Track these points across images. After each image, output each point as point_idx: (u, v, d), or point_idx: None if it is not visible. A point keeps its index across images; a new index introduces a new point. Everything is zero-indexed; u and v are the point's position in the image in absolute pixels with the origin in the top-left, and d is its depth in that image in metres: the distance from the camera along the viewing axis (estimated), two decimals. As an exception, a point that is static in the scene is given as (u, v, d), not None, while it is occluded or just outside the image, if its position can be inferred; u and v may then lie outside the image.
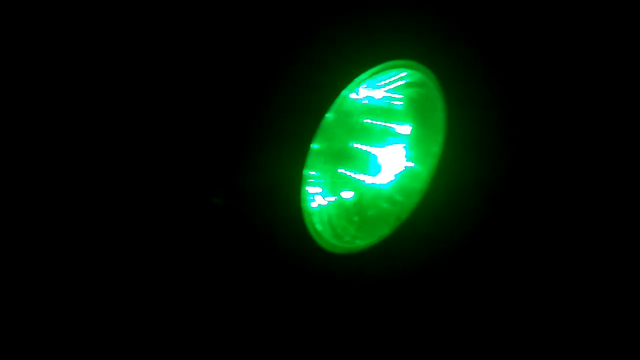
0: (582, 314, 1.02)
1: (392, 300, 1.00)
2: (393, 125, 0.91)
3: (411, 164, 0.96)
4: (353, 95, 0.81)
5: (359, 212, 0.92)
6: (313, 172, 0.83)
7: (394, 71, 0.84)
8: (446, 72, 0.90)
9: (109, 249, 0.83)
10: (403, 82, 0.87)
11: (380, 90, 0.86)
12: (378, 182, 0.94)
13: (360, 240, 0.94)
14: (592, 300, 1.04)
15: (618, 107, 1.08)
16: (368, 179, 0.92)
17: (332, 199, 0.89)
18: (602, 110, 1.08)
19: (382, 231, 0.97)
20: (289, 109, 0.78)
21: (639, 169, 1.10)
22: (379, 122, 0.89)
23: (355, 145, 0.88)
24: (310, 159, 0.80)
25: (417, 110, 0.92)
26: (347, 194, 0.91)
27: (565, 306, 1.03)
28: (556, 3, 0.99)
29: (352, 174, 0.90)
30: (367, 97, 0.85)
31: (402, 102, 0.90)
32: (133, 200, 0.83)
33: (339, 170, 0.89)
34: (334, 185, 0.88)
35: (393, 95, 0.88)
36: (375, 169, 0.92)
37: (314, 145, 0.79)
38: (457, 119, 0.94)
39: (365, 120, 0.88)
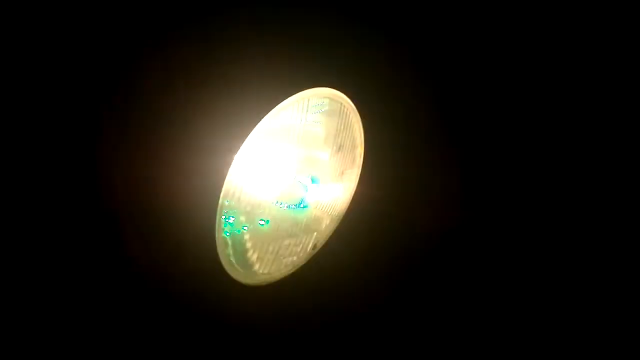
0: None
1: (310, 331, 0.98)
2: (311, 153, 0.90)
3: (329, 192, 0.95)
4: (272, 123, 0.78)
5: (274, 241, 0.89)
6: (232, 202, 0.80)
7: (313, 99, 0.83)
8: (364, 100, 0.90)
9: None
10: (322, 109, 0.86)
11: (300, 117, 0.84)
12: (295, 211, 0.92)
13: (276, 270, 0.92)
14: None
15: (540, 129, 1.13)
16: (285, 207, 0.90)
17: (247, 228, 0.86)
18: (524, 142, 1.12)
19: (299, 260, 0.95)
20: (207, 137, 0.74)
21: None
22: (297, 149, 0.87)
23: (272, 172, 0.85)
24: (228, 188, 0.77)
25: (335, 137, 0.91)
26: (263, 223, 0.88)
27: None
28: (475, 30, 1.02)
29: (269, 202, 0.87)
30: (286, 125, 0.82)
31: (321, 129, 0.89)
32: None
33: (255, 198, 0.85)
34: (250, 214, 0.85)
35: (312, 123, 0.87)
36: (293, 197, 0.90)
37: (233, 173, 0.77)
38: (375, 147, 0.95)
39: (283, 148, 0.86)
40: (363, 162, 0.97)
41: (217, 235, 0.79)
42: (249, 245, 0.85)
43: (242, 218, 0.84)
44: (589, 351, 1.08)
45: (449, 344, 1.06)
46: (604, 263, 1.15)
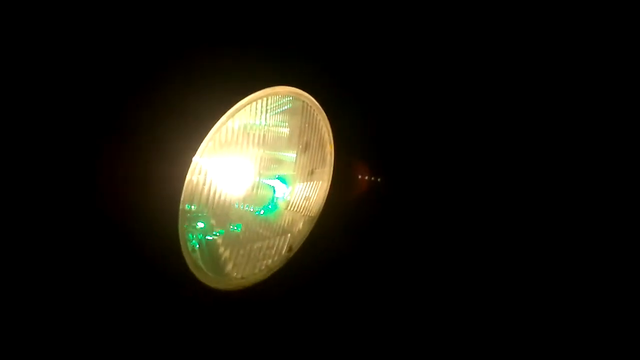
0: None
1: (286, 335, 0.96)
2: (277, 153, 0.89)
3: (299, 192, 0.94)
4: (230, 124, 0.77)
5: (245, 244, 0.88)
6: (193, 206, 0.79)
7: (271, 98, 0.82)
8: (330, 100, 0.89)
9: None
10: (283, 108, 0.85)
11: (259, 117, 0.83)
12: (266, 213, 0.91)
13: (250, 275, 0.91)
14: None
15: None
16: (252, 210, 0.88)
17: (217, 232, 0.85)
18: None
19: (274, 264, 0.94)
20: (163, 141, 0.74)
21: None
22: (261, 150, 0.86)
23: (236, 175, 0.84)
24: (190, 193, 0.76)
25: (300, 136, 0.90)
26: (233, 227, 0.87)
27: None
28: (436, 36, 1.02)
29: (235, 205, 0.86)
30: (245, 125, 0.81)
31: (285, 129, 0.88)
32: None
33: (220, 202, 0.84)
34: (217, 218, 0.84)
35: (274, 122, 0.86)
36: (260, 199, 0.89)
37: (193, 178, 0.76)
38: (343, 146, 0.93)
39: (245, 149, 0.84)
40: (335, 161, 0.96)
41: (182, 241, 0.78)
42: (219, 248, 0.84)
43: (211, 222, 0.83)
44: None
45: (432, 346, 1.04)
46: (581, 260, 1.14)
